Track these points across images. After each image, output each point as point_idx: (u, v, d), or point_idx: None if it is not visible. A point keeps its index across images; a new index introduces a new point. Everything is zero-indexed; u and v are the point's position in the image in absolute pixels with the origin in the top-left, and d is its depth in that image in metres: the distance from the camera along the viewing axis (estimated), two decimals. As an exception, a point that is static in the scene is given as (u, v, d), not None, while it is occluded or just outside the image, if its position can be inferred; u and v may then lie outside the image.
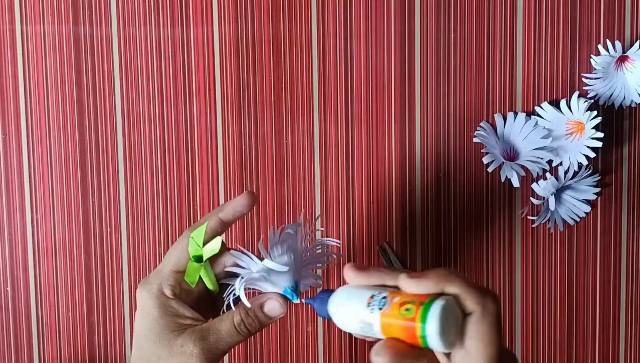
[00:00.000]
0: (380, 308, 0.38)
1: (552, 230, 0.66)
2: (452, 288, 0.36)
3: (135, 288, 0.68)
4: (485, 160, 0.64)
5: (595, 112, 0.61)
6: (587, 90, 0.64)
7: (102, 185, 0.68)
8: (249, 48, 0.67)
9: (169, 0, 0.67)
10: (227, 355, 0.68)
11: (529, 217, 0.66)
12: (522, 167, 0.63)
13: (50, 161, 0.68)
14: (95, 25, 0.67)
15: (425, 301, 0.37)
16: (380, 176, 0.67)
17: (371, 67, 0.66)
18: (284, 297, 0.45)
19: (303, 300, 0.45)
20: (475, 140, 0.65)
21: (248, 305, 0.43)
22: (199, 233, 0.44)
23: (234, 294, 0.43)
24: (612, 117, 0.66)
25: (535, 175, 0.65)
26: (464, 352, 0.36)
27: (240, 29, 0.66)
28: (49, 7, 0.67)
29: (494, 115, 0.66)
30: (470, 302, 0.36)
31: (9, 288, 0.69)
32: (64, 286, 0.69)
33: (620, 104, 0.65)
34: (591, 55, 0.65)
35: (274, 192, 0.67)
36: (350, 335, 0.68)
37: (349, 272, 0.40)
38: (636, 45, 0.63)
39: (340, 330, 0.68)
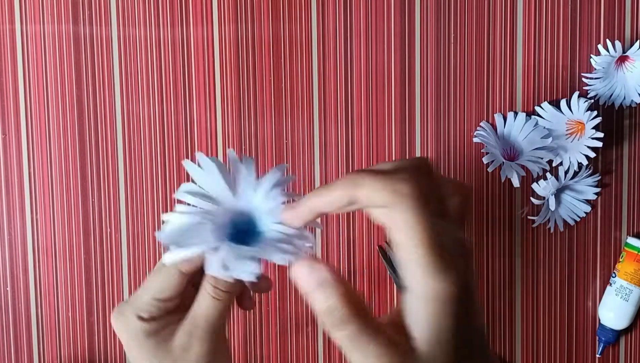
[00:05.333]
0: None
1: (552, 230, 0.66)
2: (362, 193, 0.31)
3: (135, 288, 0.68)
4: (485, 160, 0.64)
5: (595, 112, 0.61)
6: (587, 90, 0.64)
7: (102, 186, 0.68)
8: (249, 48, 0.67)
9: (169, 0, 0.67)
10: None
11: (529, 217, 0.66)
12: (522, 167, 0.63)
13: (50, 161, 0.68)
14: (95, 25, 0.67)
15: None
16: (380, 176, 0.67)
17: (371, 67, 0.66)
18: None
19: None
20: (475, 140, 0.65)
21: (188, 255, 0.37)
22: None
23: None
24: (612, 117, 0.66)
25: (535, 175, 0.65)
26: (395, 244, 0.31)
27: (240, 29, 0.66)
28: (49, 7, 0.67)
29: (494, 115, 0.66)
30: (380, 198, 0.31)
31: (9, 289, 0.69)
32: (64, 286, 0.69)
33: (621, 104, 0.65)
34: (591, 55, 0.65)
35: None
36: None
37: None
38: (636, 45, 0.63)
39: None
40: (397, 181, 0.31)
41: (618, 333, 0.66)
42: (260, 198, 0.37)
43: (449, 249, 0.30)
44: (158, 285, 0.41)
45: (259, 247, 0.35)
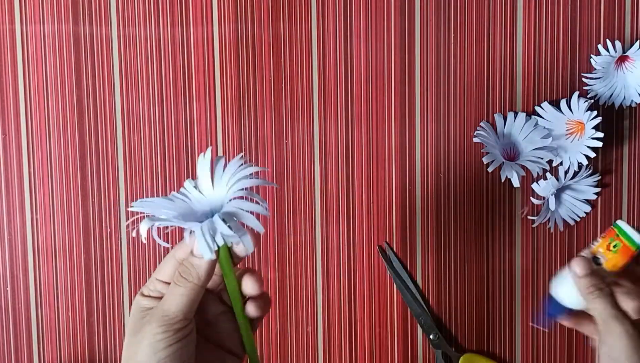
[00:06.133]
0: (600, 264, 0.54)
1: (552, 230, 0.66)
2: None
3: (135, 289, 0.68)
4: (485, 160, 0.64)
5: (595, 112, 0.61)
6: (587, 90, 0.64)
7: (102, 186, 0.68)
8: (249, 48, 0.67)
9: (169, 0, 0.67)
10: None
11: (529, 217, 0.66)
12: (522, 167, 0.63)
13: (50, 161, 0.68)
14: (95, 25, 0.67)
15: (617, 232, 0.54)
16: (380, 176, 0.67)
17: (371, 67, 0.66)
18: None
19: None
20: (475, 140, 0.65)
21: (166, 244, 0.41)
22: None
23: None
24: (612, 117, 0.66)
25: (535, 175, 0.65)
26: None
27: (240, 29, 0.67)
28: (49, 7, 0.67)
29: (494, 115, 0.66)
30: None
31: (8, 289, 0.69)
32: (64, 286, 0.69)
33: (621, 104, 0.65)
34: (591, 55, 0.65)
35: (274, 192, 0.67)
36: (350, 334, 0.68)
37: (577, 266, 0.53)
38: (636, 45, 0.63)
39: (340, 330, 0.68)
40: None
41: (568, 312, 0.58)
42: (228, 190, 0.41)
43: None
44: (160, 267, 0.44)
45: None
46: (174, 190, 0.67)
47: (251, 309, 0.44)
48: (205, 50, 0.67)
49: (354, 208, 0.67)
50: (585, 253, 0.55)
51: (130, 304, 0.69)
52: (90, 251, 0.68)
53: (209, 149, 0.43)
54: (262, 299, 0.44)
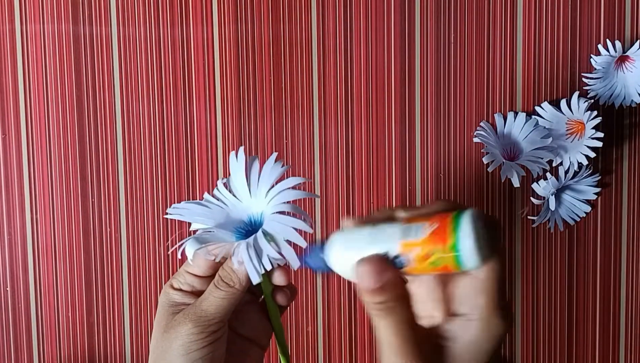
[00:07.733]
0: (400, 267, 0.34)
1: (552, 230, 0.66)
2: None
3: (135, 288, 0.68)
4: (485, 160, 0.64)
5: (595, 112, 0.61)
6: (587, 90, 0.64)
7: (101, 186, 0.68)
8: (249, 48, 0.67)
9: (169, 0, 0.67)
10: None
11: (529, 217, 0.66)
12: (522, 167, 0.63)
13: (50, 161, 0.68)
14: (95, 25, 0.67)
15: (452, 216, 0.32)
16: (380, 176, 0.67)
17: (371, 67, 0.66)
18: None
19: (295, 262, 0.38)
20: (475, 140, 0.65)
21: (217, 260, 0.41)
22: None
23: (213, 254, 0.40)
24: (612, 117, 0.66)
25: (535, 175, 0.65)
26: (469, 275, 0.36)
27: (240, 29, 0.67)
28: (49, 7, 0.67)
29: (494, 115, 0.66)
30: None
31: (8, 289, 0.69)
32: (64, 286, 0.69)
33: (621, 104, 0.65)
34: (591, 55, 0.65)
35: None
36: (350, 334, 0.68)
37: (347, 222, 0.39)
38: (636, 45, 0.63)
39: (340, 330, 0.68)
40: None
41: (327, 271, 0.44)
42: (269, 201, 0.40)
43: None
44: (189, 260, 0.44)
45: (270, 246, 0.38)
46: (174, 192, 0.67)
47: (281, 298, 0.44)
48: (205, 50, 0.67)
49: (354, 208, 0.67)
50: (386, 246, 0.36)
51: (130, 304, 0.69)
52: (90, 251, 0.68)
53: (241, 148, 0.41)
54: (290, 288, 0.45)
